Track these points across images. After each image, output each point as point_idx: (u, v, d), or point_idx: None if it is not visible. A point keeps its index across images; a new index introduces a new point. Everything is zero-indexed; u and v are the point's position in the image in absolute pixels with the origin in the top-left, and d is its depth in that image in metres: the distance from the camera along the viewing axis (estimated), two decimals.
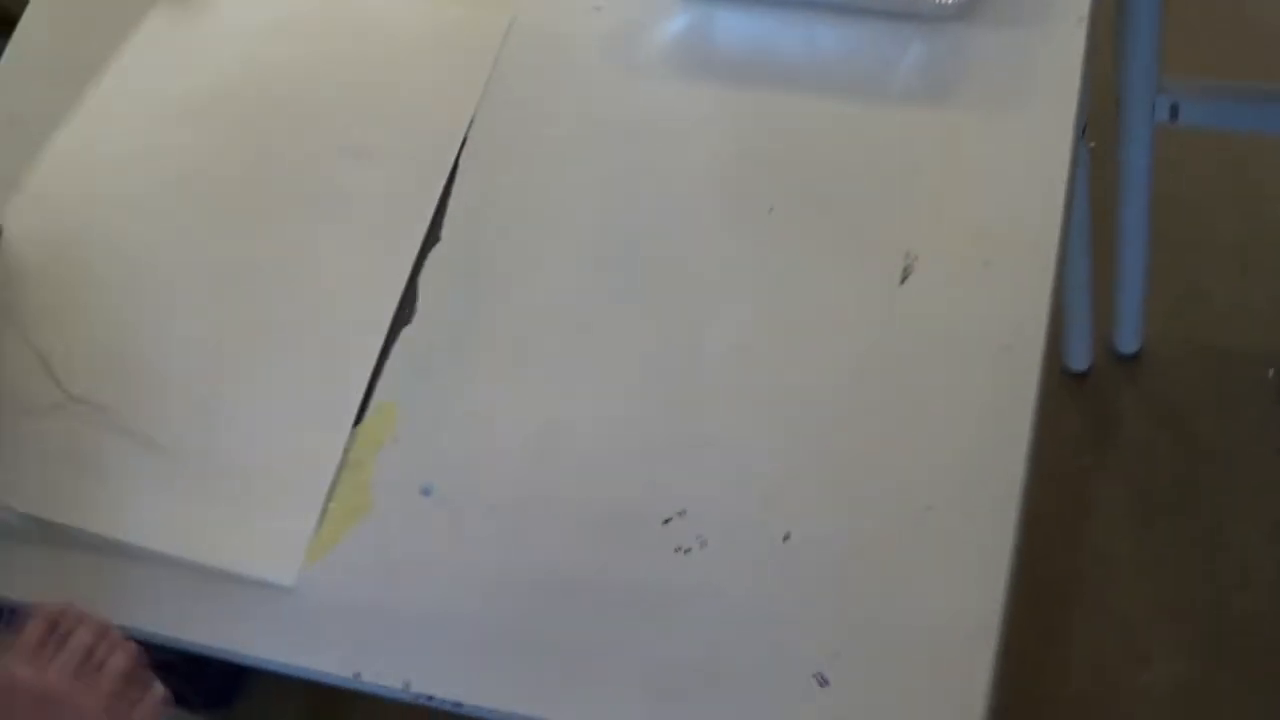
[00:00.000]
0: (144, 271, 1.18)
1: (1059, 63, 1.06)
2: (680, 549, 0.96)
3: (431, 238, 1.12)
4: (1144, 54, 1.34)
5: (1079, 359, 1.82)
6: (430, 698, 0.96)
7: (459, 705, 0.95)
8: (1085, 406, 1.85)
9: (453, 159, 1.15)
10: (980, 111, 1.06)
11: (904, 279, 1.00)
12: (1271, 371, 1.83)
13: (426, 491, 1.02)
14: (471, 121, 1.16)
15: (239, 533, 1.05)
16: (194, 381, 1.11)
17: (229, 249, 1.17)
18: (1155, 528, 1.75)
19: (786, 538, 0.94)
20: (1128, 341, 1.83)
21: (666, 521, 0.97)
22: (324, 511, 1.04)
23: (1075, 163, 1.03)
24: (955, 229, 1.02)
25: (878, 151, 1.06)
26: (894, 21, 1.10)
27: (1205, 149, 1.89)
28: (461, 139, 1.16)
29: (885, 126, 1.07)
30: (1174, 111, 1.41)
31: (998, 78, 1.07)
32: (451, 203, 1.13)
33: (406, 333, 1.09)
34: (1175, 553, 1.73)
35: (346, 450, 1.05)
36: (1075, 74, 1.05)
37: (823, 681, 0.90)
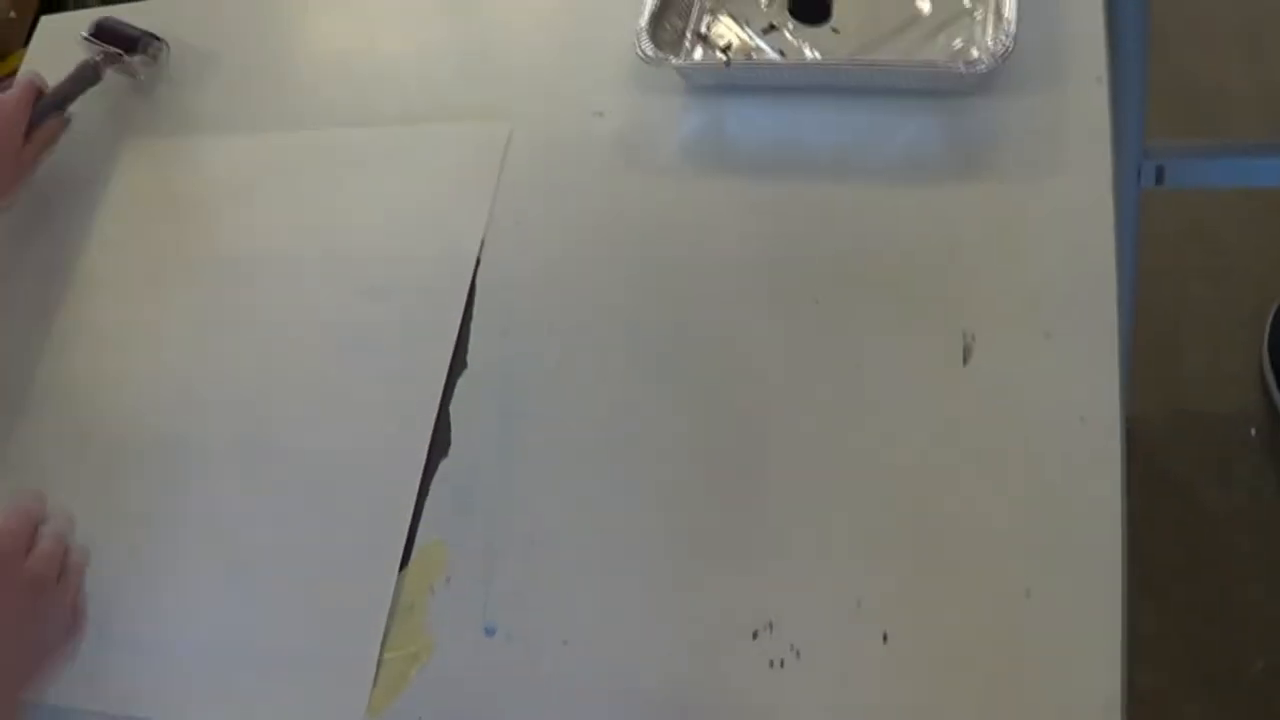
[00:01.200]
0: (168, 440, 1.12)
1: (1084, 123, 1.04)
2: (774, 662, 0.91)
3: (458, 366, 1.07)
4: (1132, 121, 1.33)
5: None
6: None
7: None
8: None
9: (468, 283, 1.10)
10: (1014, 181, 1.04)
11: (966, 360, 0.97)
12: (1253, 430, 1.83)
13: (490, 631, 0.96)
14: (482, 243, 1.12)
15: (292, 699, 0.98)
16: (228, 548, 1.05)
17: (249, 410, 1.11)
18: (1170, 599, 1.73)
19: (885, 639, 0.90)
20: None
21: (755, 635, 0.92)
22: (380, 662, 0.97)
23: (1119, 222, 1.00)
24: (1009, 303, 0.99)
25: (916, 232, 1.03)
26: (913, 99, 1.08)
27: (1164, 216, 1.91)
28: (475, 261, 1.11)
29: (920, 206, 1.05)
30: (1159, 175, 1.41)
31: (1026, 145, 1.05)
32: (474, 327, 1.09)
33: (444, 466, 1.03)
34: (1192, 621, 1.71)
35: (397, 596, 0.99)
36: (1103, 132, 1.04)
37: None
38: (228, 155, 1.26)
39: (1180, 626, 1.72)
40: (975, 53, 1.06)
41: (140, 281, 1.22)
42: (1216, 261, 1.96)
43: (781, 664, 0.90)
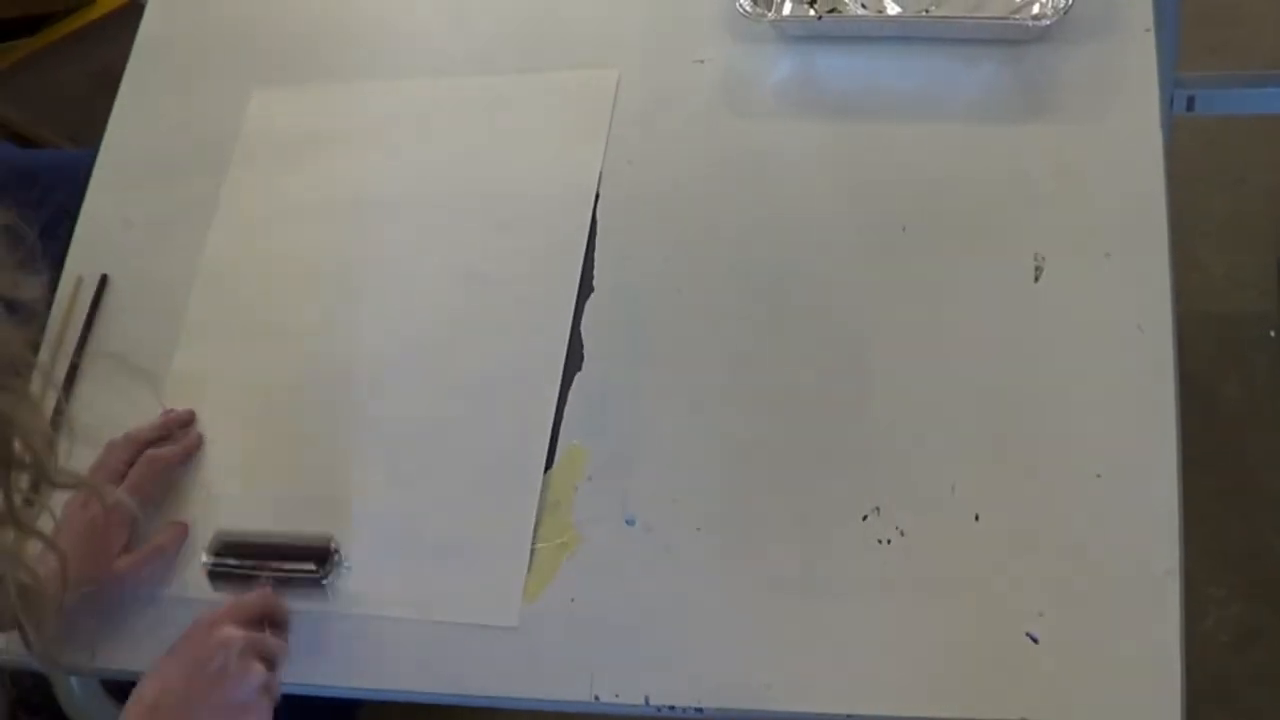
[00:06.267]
0: (320, 356, 1.26)
1: (1134, 68, 1.18)
2: (882, 540, 1.06)
3: (585, 290, 1.21)
4: (1166, 52, 1.46)
5: None
6: (671, 708, 1.04)
7: (700, 711, 1.04)
8: None
9: (589, 215, 1.24)
10: (1073, 121, 1.18)
11: (1037, 279, 1.12)
12: (1273, 331, 1.98)
13: (630, 522, 1.11)
14: (600, 178, 1.26)
15: (457, 585, 1.13)
16: (390, 456, 1.19)
17: (399, 328, 1.25)
18: (1191, 488, 1.87)
19: (977, 518, 1.05)
20: None
21: (864, 518, 1.07)
22: (533, 552, 1.12)
23: (1168, 155, 1.15)
24: (1073, 228, 1.13)
25: (988, 167, 1.18)
26: (982, 48, 1.22)
27: (1182, 130, 2.04)
28: (594, 195, 1.26)
29: (990, 143, 1.19)
30: (1190, 103, 1.54)
31: (1084, 89, 1.19)
32: (597, 255, 1.23)
33: (579, 379, 1.18)
34: (1213, 508, 1.86)
35: (543, 494, 1.14)
36: (1151, 75, 1.18)
37: (1034, 639, 1.00)
38: (357, 101, 1.39)
39: (1201, 512, 1.86)
40: (1038, 7, 1.20)
41: (279, 222, 1.35)
42: (1232, 174, 2.09)
43: (889, 542, 1.06)
